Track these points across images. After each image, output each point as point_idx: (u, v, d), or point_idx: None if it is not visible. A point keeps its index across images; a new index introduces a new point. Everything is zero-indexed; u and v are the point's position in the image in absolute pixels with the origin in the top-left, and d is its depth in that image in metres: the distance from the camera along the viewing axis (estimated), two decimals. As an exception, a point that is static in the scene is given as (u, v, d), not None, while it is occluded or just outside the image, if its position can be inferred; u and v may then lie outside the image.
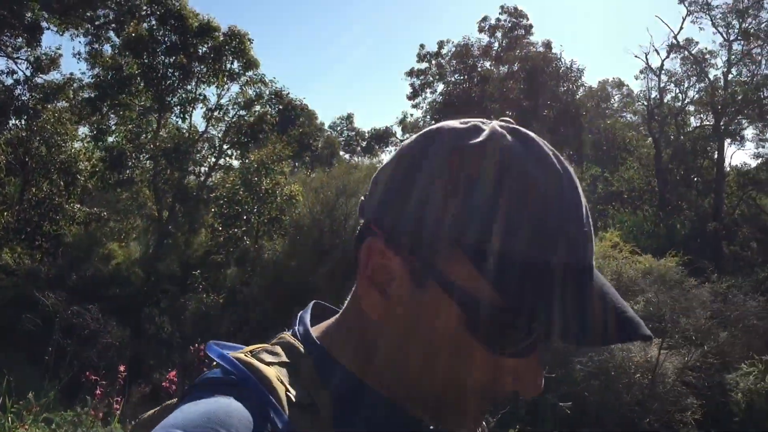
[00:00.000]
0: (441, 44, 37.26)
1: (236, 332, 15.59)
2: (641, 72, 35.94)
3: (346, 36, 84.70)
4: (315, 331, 0.86)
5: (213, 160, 26.53)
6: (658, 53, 41.03)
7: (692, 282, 13.71)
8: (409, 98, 38.48)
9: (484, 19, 36.52)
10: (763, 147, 31.79)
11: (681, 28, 36.47)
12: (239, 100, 25.67)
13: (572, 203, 0.73)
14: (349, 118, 52.53)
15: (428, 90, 37.64)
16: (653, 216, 28.48)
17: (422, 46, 37.48)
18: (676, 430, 11.41)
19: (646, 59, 44.12)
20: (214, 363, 0.81)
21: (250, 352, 0.82)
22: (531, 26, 36.51)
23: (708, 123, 31.17)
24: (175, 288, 19.23)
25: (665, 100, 33.18)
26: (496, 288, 0.70)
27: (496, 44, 36.14)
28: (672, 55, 32.80)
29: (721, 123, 29.91)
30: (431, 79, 37.27)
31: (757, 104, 29.31)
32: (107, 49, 25.39)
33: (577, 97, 34.14)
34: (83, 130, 24.71)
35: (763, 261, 23.42)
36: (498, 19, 36.07)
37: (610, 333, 0.70)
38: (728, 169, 31.09)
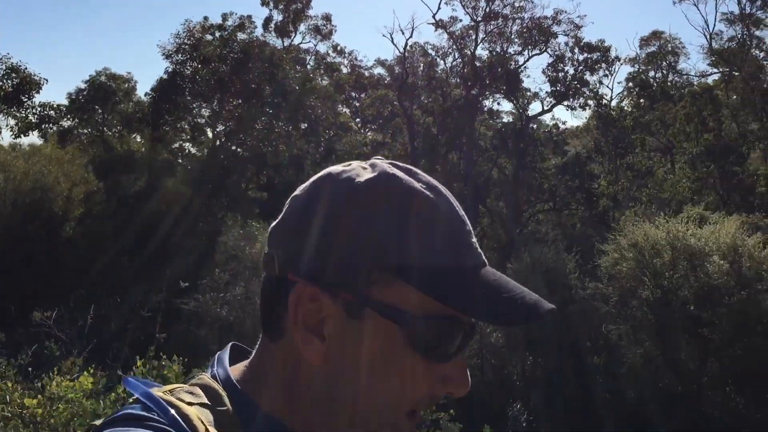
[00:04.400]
0: (225, 17, 38.49)
1: None
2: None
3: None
4: (234, 373, 0.89)
5: None
6: (403, 33, 47.84)
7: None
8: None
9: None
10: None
11: (439, 8, 40.95)
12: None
13: (459, 216, 0.86)
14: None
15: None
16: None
17: (206, 18, 38.35)
18: None
19: (392, 38, 50.00)
20: (133, 398, 0.84)
21: (170, 391, 0.85)
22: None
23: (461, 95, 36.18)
24: None
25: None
26: (437, 299, 0.80)
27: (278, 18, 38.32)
28: (437, 32, 37.60)
29: (472, 92, 35.17)
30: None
31: (504, 78, 34.73)
32: None
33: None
34: None
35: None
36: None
37: (519, 312, 0.81)
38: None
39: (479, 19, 36.12)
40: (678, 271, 15.38)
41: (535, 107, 45.30)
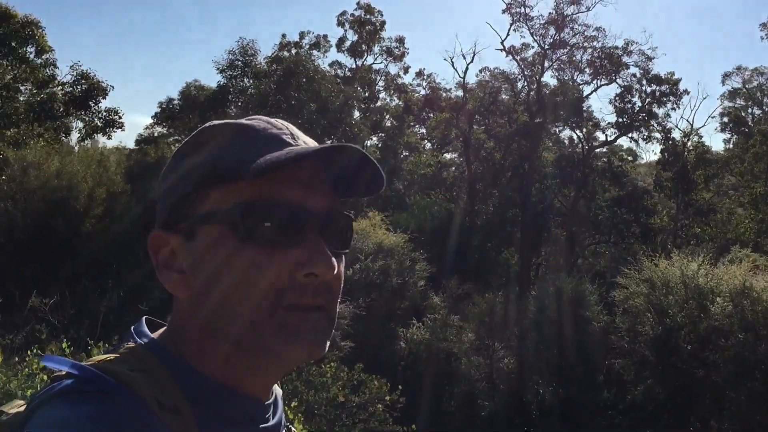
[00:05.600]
0: (302, 35, 40.33)
1: None
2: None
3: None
4: (158, 338, 0.92)
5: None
6: (464, 57, 49.17)
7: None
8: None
9: (343, 13, 40.00)
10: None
11: (507, 34, 41.21)
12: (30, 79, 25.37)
13: (284, 133, 0.92)
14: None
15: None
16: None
17: (284, 35, 40.25)
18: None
19: (452, 63, 51.01)
20: (63, 372, 0.81)
21: (103, 361, 0.84)
22: (384, 23, 40.40)
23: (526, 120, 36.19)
24: None
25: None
26: (229, 179, 0.87)
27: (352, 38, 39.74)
28: (507, 57, 37.91)
29: (537, 120, 35.12)
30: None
31: (567, 106, 34.58)
32: None
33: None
34: None
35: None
36: (352, 14, 39.59)
37: (284, 155, 0.86)
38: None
39: (547, 47, 36.15)
40: (686, 310, 15.10)
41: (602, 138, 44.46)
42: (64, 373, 0.81)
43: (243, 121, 0.94)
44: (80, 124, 24.01)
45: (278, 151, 0.87)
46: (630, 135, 35.82)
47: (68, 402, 0.76)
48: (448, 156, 44.83)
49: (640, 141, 35.37)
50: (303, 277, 0.86)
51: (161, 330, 0.95)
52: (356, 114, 40.00)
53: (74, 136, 27.81)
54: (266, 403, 0.94)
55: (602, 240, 35.01)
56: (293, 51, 39.72)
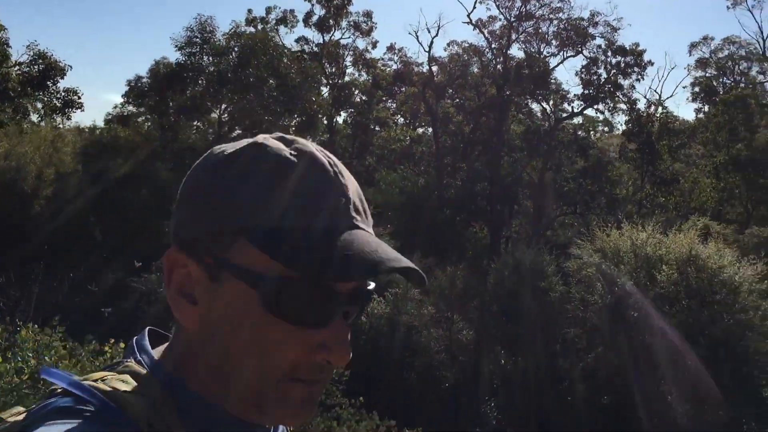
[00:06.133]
0: (269, 10, 39.84)
1: None
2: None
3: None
4: (158, 356, 0.90)
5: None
6: (429, 31, 49.21)
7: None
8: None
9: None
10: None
11: (474, 7, 41.18)
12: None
13: (333, 181, 0.85)
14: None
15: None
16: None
17: (250, 10, 39.76)
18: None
19: (417, 37, 51.07)
20: (58, 390, 0.81)
21: (101, 380, 0.83)
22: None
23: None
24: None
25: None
26: (281, 262, 0.79)
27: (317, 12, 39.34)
28: (475, 31, 37.94)
29: (505, 93, 35.18)
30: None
31: (532, 79, 34.61)
32: None
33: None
34: None
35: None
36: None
37: (359, 267, 0.80)
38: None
39: (513, 19, 36.11)
40: (634, 278, 15.38)
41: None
42: (60, 389, 0.81)
43: (282, 155, 0.85)
44: (39, 105, 23.70)
45: (344, 252, 0.80)
46: (596, 107, 36.06)
47: (62, 421, 0.75)
48: (420, 131, 44.87)
49: (606, 112, 35.52)
50: (319, 359, 0.84)
51: (163, 346, 0.93)
52: (324, 90, 39.86)
53: (35, 117, 27.50)
54: (268, 426, 0.92)
55: (569, 211, 35.34)
56: (259, 27, 39.46)
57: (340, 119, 42.59)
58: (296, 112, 23.92)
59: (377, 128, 43.69)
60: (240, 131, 24.87)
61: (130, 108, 34.83)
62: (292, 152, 0.86)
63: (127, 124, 30.43)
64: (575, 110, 36.51)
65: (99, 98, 61.01)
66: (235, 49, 21.88)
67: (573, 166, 35.01)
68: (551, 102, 36.45)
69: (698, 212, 29.94)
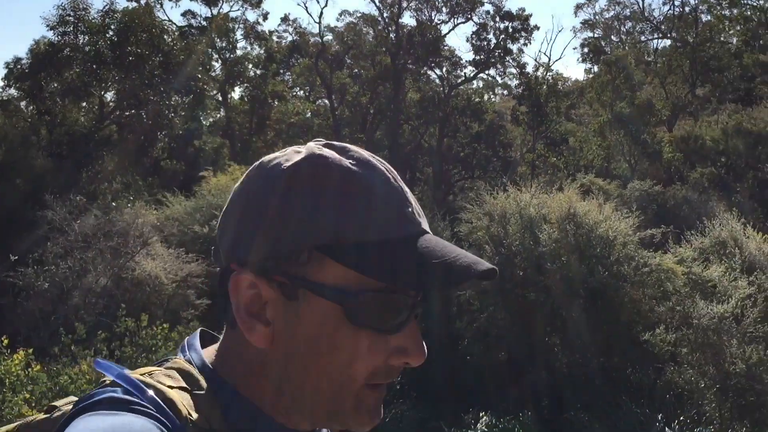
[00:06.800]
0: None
1: None
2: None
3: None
4: (207, 357, 0.91)
5: None
6: (318, 2, 48.34)
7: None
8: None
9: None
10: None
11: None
12: None
13: (393, 187, 0.87)
14: None
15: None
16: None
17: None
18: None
19: (306, 7, 50.98)
20: (108, 380, 0.83)
21: (149, 374, 0.85)
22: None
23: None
24: None
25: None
26: (363, 274, 0.81)
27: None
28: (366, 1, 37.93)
29: (398, 62, 35.40)
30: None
31: (423, 47, 34.97)
32: None
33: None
34: None
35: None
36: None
37: (453, 276, 0.82)
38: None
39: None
40: (520, 239, 15.99)
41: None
42: (109, 381, 0.83)
43: (351, 167, 0.86)
44: None
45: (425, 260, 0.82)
46: (487, 72, 36.87)
47: (110, 410, 0.76)
48: (319, 102, 44.54)
49: (497, 77, 36.36)
50: (398, 363, 0.85)
51: (213, 347, 0.93)
52: (217, 66, 38.82)
53: None
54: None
55: (468, 176, 36.18)
56: (142, 1, 37.88)
57: (235, 95, 41.71)
58: (182, 90, 23.27)
59: (275, 102, 43.12)
60: (127, 113, 24.01)
61: (12, 92, 32.97)
62: (352, 162, 0.86)
63: (7, 109, 28.81)
64: (468, 76, 37.20)
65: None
66: (112, 26, 21.00)
67: (468, 131, 35.75)
68: (444, 69, 36.96)
69: (587, 170, 31.26)
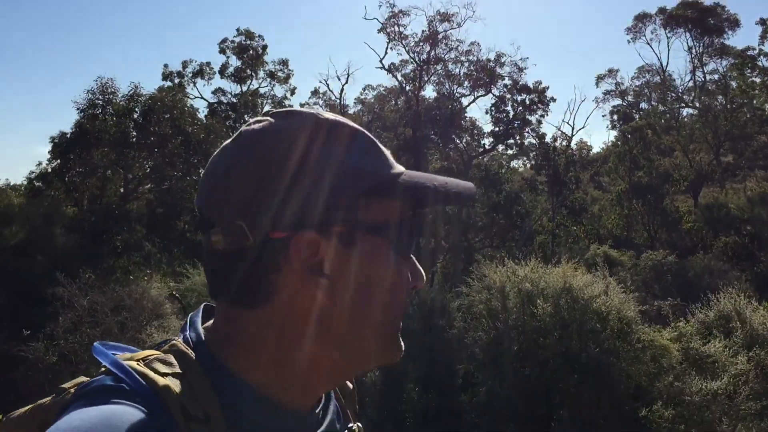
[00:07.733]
0: (185, 64, 40.39)
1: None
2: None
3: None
4: (207, 334, 0.89)
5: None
6: (339, 79, 50.48)
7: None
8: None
9: (224, 40, 40.36)
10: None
11: (386, 53, 42.60)
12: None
13: (372, 140, 0.93)
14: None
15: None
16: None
17: (166, 65, 40.21)
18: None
19: (327, 85, 52.71)
20: (103, 368, 0.82)
21: (143, 360, 0.83)
22: (266, 47, 40.95)
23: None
24: None
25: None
26: (407, 204, 0.91)
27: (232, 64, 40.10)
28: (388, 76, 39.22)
29: (418, 134, 36.38)
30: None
31: (442, 121, 35.95)
32: None
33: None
34: None
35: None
36: (233, 41, 40.01)
37: (454, 196, 0.92)
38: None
39: (422, 63, 37.51)
40: (516, 313, 16.17)
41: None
42: (105, 367, 0.83)
43: (359, 127, 0.94)
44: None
45: (427, 177, 0.93)
46: (507, 142, 37.54)
47: (94, 397, 0.77)
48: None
49: (515, 147, 36.98)
50: (410, 287, 0.94)
51: (216, 325, 0.91)
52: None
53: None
54: (316, 411, 0.94)
55: (488, 245, 36.41)
56: (176, 80, 39.87)
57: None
58: (201, 167, 24.39)
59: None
60: (150, 186, 25.27)
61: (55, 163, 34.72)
62: (341, 119, 0.93)
63: (50, 183, 30.41)
64: (487, 147, 37.92)
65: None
66: (136, 109, 22.37)
67: (489, 201, 36.16)
68: (464, 140, 37.78)
69: (606, 239, 31.27)
